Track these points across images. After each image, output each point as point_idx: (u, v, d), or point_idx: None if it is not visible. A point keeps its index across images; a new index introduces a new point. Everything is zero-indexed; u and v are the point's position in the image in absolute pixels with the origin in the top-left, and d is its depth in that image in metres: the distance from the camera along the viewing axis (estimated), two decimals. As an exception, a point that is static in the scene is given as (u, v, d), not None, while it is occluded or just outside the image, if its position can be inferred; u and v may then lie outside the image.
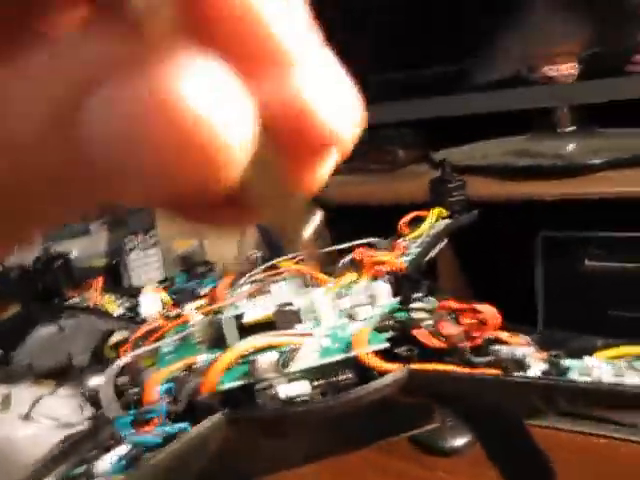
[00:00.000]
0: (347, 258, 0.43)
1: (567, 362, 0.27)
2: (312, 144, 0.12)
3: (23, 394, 0.44)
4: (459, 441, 0.56)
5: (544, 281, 0.77)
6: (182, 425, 0.26)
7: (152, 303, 0.42)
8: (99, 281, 0.49)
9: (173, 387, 0.28)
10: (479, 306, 0.31)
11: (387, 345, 0.30)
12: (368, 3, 0.87)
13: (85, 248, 0.75)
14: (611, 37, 0.74)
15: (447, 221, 0.53)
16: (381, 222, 0.53)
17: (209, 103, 0.09)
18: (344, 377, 0.30)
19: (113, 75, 0.09)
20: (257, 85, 0.10)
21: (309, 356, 0.30)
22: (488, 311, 0.30)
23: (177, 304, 0.42)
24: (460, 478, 0.54)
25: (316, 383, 0.30)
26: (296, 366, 0.29)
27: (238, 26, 0.10)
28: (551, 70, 0.75)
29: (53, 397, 0.43)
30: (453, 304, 0.32)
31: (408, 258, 0.44)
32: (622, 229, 0.71)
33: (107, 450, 0.26)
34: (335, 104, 0.12)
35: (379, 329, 0.32)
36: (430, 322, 0.32)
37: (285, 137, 0.11)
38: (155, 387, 0.29)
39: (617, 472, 0.55)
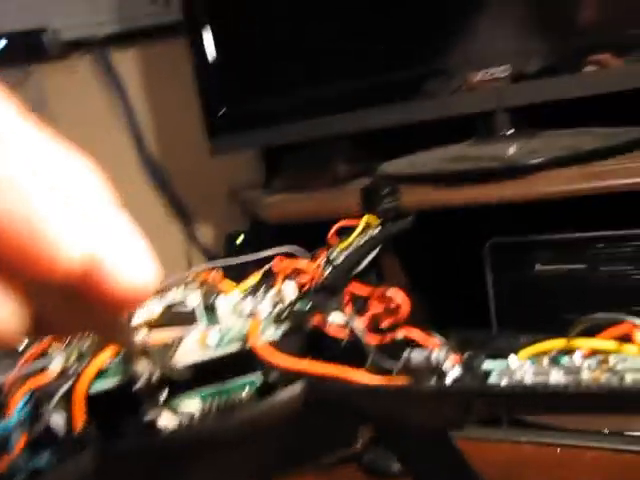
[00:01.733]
0: (264, 268, 0.40)
1: (486, 364, 0.25)
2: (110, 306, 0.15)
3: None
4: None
5: (495, 288, 0.75)
6: (37, 463, 0.22)
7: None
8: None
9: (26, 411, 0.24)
10: (389, 291, 0.28)
11: (278, 335, 0.27)
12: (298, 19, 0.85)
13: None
14: (544, 38, 0.73)
15: (378, 229, 0.50)
16: (322, 239, 0.50)
17: None
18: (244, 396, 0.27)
19: None
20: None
21: (193, 350, 0.26)
22: (398, 296, 0.28)
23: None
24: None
25: (210, 404, 0.26)
26: (181, 361, 0.26)
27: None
28: (486, 74, 0.74)
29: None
30: (358, 289, 0.28)
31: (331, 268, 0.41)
32: (570, 230, 0.70)
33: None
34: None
35: (276, 322, 0.29)
36: (334, 312, 0.29)
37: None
38: (16, 405, 0.25)
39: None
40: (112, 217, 0.15)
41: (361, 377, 0.24)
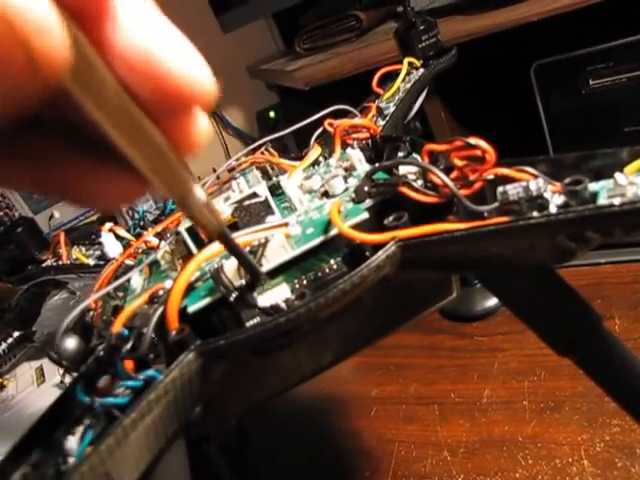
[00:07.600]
0: (317, 132, 0.37)
1: (592, 186, 0.22)
2: (175, 102, 0.13)
3: (54, 365, 0.42)
4: (490, 302, 0.52)
5: (547, 114, 0.71)
6: (149, 373, 0.21)
7: (115, 241, 0.38)
8: (60, 235, 0.44)
9: (128, 332, 0.23)
10: (471, 140, 0.25)
11: (366, 216, 0.25)
12: None
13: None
14: None
15: (422, 70, 0.46)
16: (362, 93, 0.47)
17: None
18: (329, 269, 0.25)
19: None
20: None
21: (280, 250, 0.25)
22: (482, 144, 0.25)
23: (140, 235, 0.37)
24: (497, 338, 0.50)
25: (298, 284, 0.25)
26: (268, 265, 0.25)
27: None
28: None
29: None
30: (436, 146, 0.26)
31: (385, 119, 0.38)
32: (622, 34, 0.64)
33: (76, 424, 0.22)
34: (184, 61, 0.13)
35: (356, 200, 0.27)
36: (415, 177, 0.26)
37: (152, 101, 0.13)
38: (119, 331, 0.25)
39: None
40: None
41: (454, 226, 0.22)
